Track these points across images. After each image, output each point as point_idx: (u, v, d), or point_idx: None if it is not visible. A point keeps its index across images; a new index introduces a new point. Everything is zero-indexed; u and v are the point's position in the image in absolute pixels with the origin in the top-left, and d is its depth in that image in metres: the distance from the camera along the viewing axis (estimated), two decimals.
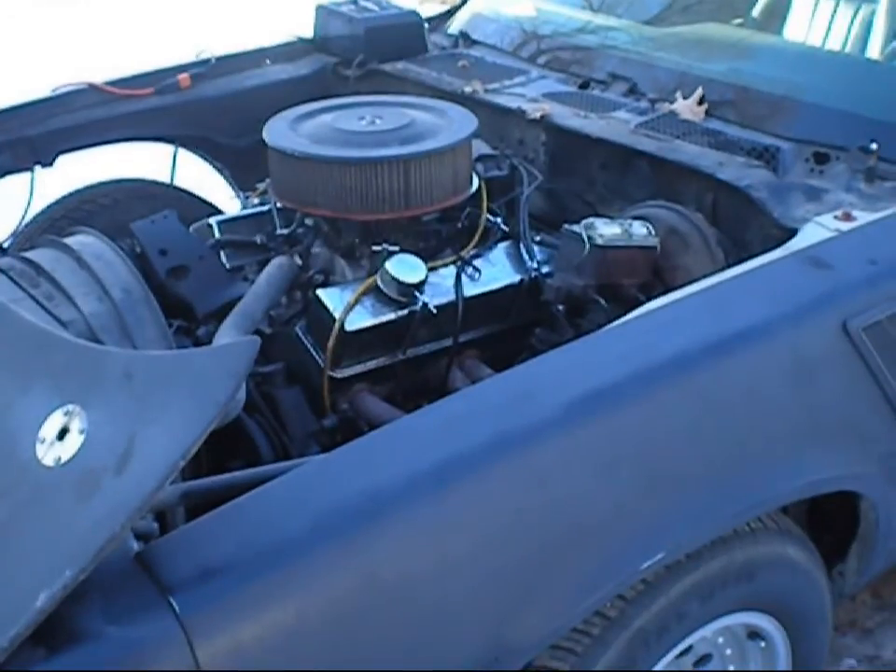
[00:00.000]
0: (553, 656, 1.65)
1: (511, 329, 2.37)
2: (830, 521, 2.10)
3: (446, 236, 2.42)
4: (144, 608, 1.27)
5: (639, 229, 2.24)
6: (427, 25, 3.37)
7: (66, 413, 1.37)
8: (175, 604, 1.26)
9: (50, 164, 2.85)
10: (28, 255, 2.13)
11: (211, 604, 1.29)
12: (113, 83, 3.01)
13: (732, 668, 2.04)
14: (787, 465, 1.80)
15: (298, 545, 1.37)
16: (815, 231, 2.05)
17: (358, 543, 1.40)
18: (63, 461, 1.33)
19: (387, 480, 1.47)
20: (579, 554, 1.58)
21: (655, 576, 1.69)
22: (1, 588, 1.26)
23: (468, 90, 2.89)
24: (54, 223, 2.93)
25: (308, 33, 3.40)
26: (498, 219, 2.45)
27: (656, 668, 1.78)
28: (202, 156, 3.23)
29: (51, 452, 1.35)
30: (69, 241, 2.16)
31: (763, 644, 2.01)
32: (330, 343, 2.13)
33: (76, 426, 1.35)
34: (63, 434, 1.35)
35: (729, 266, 2.05)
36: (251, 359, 1.29)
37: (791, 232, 2.09)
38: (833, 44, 3.20)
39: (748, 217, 2.26)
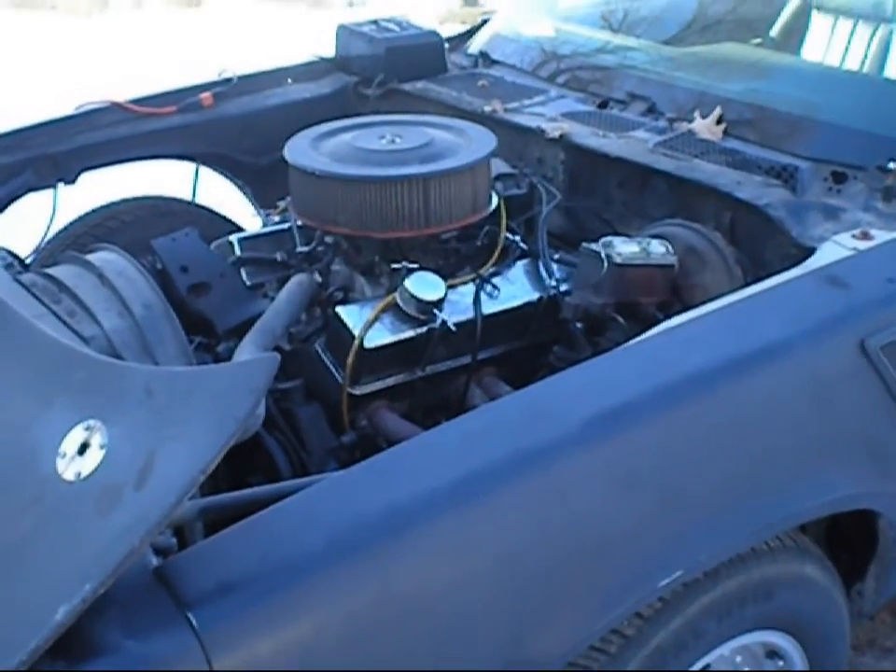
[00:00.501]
0: None
1: (529, 346, 2.37)
2: (848, 539, 2.09)
3: (465, 254, 2.43)
4: (162, 622, 1.27)
5: (657, 247, 2.24)
6: (447, 45, 3.39)
7: (87, 429, 1.38)
8: (192, 619, 1.27)
9: (73, 182, 2.88)
10: (50, 271, 2.15)
11: (229, 619, 1.29)
12: (136, 101, 3.04)
13: None
14: (805, 483, 1.80)
15: (316, 561, 1.38)
16: (833, 249, 2.05)
17: (376, 559, 1.40)
18: (83, 476, 1.34)
19: (406, 496, 1.47)
20: (596, 572, 1.58)
21: (673, 594, 1.68)
22: (21, 601, 1.27)
23: (487, 109, 2.90)
24: (77, 240, 2.95)
25: (329, 52, 3.42)
26: (517, 237, 2.46)
27: None
28: (223, 174, 3.25)
29: (72, 466, 1.35)
30: (91, 257, 2.17)
31: (780, 663, 2.00)
32: (349, 360, 2.14)
33: (96, 441, 1.36)
34: (83, 449, 1.36)
35: (747, 284, 2.05)
36: (270, 376, 1.30)
37: (809, 251, 2.09)
38: (851, 63, 3.20)
39: (766, 236, 2.26)
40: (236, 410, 1.26)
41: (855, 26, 3.22)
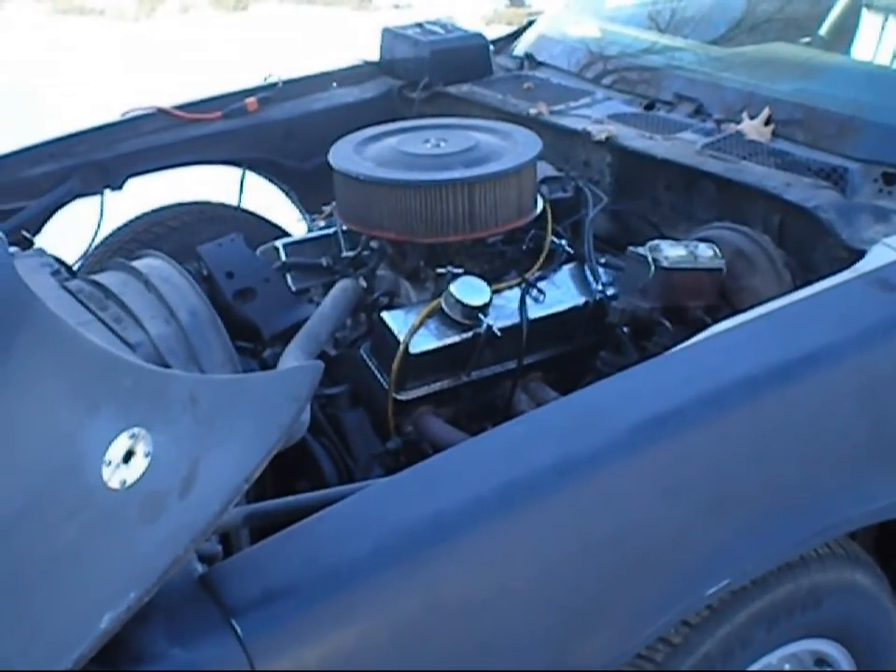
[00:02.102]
0: None
1: (575, 351, 2.35)
2: None
3: (511, 258, 2.42)
4: (207, 630, 1.27)
5: (705, 251, 2.22)
6: (492, 48, 3.38)
7: (132, 437, 1.38)
8: (237, 626, 1.27)
9: (120, 188, 2.90)
10: (97, 277, 2.16)
11: (274, 627, 1.29)
12: (181, 107, 3.06)
13: None
14: (855, 490, 1.78)
15: (361, 568, 1.37)
16: (883, 252, 2.02)
17: (421, 567, 1.40)
18: (128, 484, 1.34)
19: (451, 503, 1.47)
20: (643, 580, 1.57)
21: (720, 602, 1.67)
22: (66, 609, 1.28)
23: (533, 111, 2.89)
24: (123, 246, 2.97)
25: (374, 56, 3.42)
26: (563, 241, 2.45)
27: None
28: (269, 179, 3.26)
29: (117, 474, 1.36)
30: (137, 264, 2.19)
31: (829, 671, 1.98)
32: (395, 366, 2.13)
33: (141, 449, 1.36)
34: (128, 457, 1.37)
35: (796, 288, 2.03)
36: (314, 384, 1.30)
37: (860, 254, 2.06)
38: None
39: (815, 239, 2.24)
40: (280, 418, 1.26)
41: None
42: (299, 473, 2.10)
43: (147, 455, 1.35)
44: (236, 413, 1.32)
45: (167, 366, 1.92)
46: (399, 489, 1.51)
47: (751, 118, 2.60)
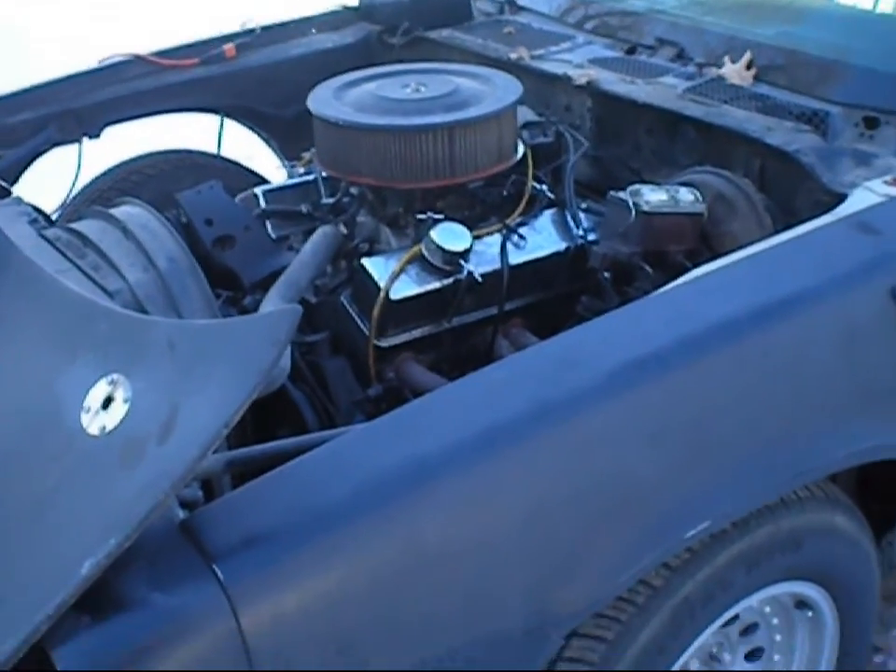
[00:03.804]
0: (597, 625, 1.65)
1: (556, 297, 2.35)
2: (879, 489, 2.07)
3: (491, 204, 2.41)
4: (188, 575, 1.27)
5: (686, 195, 2.22)
6: None
7: (111, 383, 1.37)
8: (218, 571, 1.27)
9: (97, 136, 2.87)
10: (74, 226, 2.14)
11: (255, 571, 1.29)
12: (159, 54, 3.02)
13: (779, 637, 2.03)
14: (835, 433, 1.78)
15: (341, 513, 1.37)
16: (864, 196, 2.02)
17: (402, 511, 1.40)
18: (107, 430, 1.34)
19: (431, 448, 1.46)
20: (623, 523, 1.57)
21: (701, 545, 1.68)
22: (46, 556, 1.27)
23: (513, 56, 2.87)
24: (102, 194, 2.95)
25: (353, 1, 3.39)
26: (544, 187, 2.44)
27: (702, 637, 1.78)
28: (247, 126, 3.23)
29: (96, 421, 1.35)
30: (115, 211, 2.17)
31: (810, 613, 2.00)
32: (375, 312, 2.13)
33: (120, 395, 1.35)
34: (107, 403, 1.36)
35: (777, 232, 2.02)
36: (293, 327, 1.29)
37: (841, 198, 2.06)
38: (885, 6, 3.14)
39: (796, 183, 2.23)
40: (259, 362, 1.26)
41: None
42: (280, 421, 2.10)
43: (125, 401, 1.34)
44: (215, 358, 1.32)
45: (145, 313, 1.91)
46: (379, 434, 1.51)
47: (733, 62, 2.59)
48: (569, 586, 1.54)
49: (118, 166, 3.07)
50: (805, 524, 1.83)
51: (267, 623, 1.28)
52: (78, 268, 1.99)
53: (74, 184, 2.90)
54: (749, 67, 2.57)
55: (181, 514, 1.38)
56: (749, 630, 1.96)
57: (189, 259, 2.05)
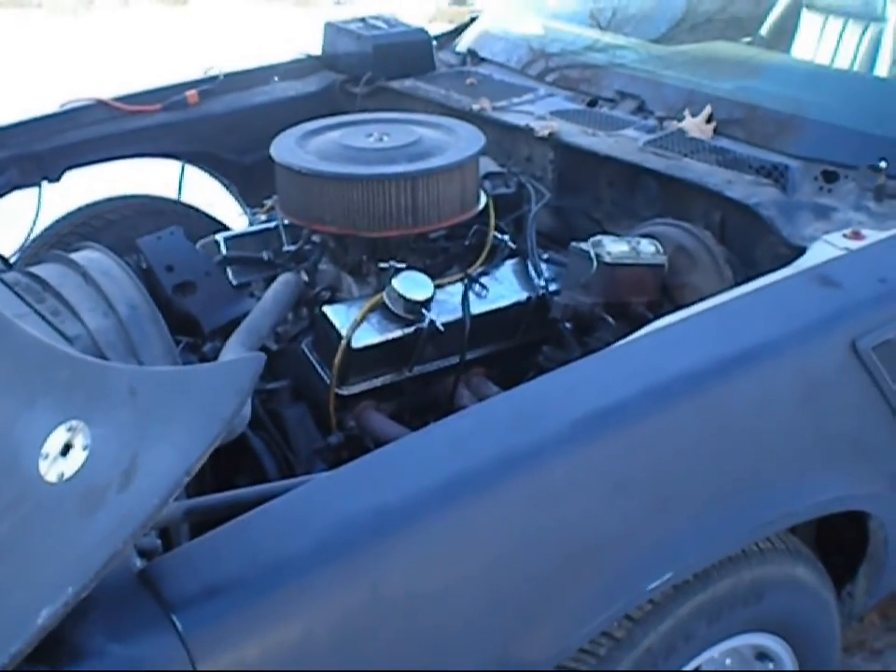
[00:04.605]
0: None
1: (518, 346, 2.35)
2: (839, 540, 2.08)
3: (453, 253, 2.41)
4: (146, 625, 1.25)
5: (647, 247, 2.23)
6: (435, 43, 3.37)
7: (70, 429, 1.36)
8: (177, 622, 1.25)
9: (57, 180, 2.86)
10: (34, 269, 2.12)
11: (214, 622, 1.28)
12: (121, 99, 3.02)
13: None
14: (796, 484, 1.79)
15: (302, 563, 1.36)
16: (824, 249, 2.04)
17: (364, 561, 1.39)
18: (66, 477, 1.32)
19: (393, 497, 1.45)
20: (586, 574, 1.57)
21: (663, 596, 1.67)
22: (2, 604, 1.25)
23: (476, 107, 2.88)
24: (61, 238, 2.93)
25: (316, 50, 3.40)
26: (506, 237, 2.44)
27: None
28: (209, 172, 3.22)
29: (54, 468, 1.34)
30: (75, 256, 2.15)
31: (770, 665, 1.99)
32: (337, 360, 2.12)
33: (79, 441, 1.34)
34: (66, 450, 1.34)
35: (737, 284, 2.04)
36: (256, 376, 1.28)
37: (800, 251, 2.08)
38: (842, 62, 3.20)
39: (756, 236, 2.25)
40: (221, 410, 1.24)
41: (845, 25, 3.21)
42: (239, 469, 2.08)
43: (85, 448, 1.33)
44: (176, 406, 1.30)
45: (105, 359, 1.89)
46: (340, 483, 1.50)
47: (693, 115, 2.62)
48: (531, 637, 1.53)
49: (78, 210, 3.04)
50: (766, 575, 1.83)
51: None
52: (37, 312, 1.97)
53: (33, 228, 2.87)
54: (708, 121, 2.59)
55: (139, 563, 1.36)
56: None
57: (150, 306, 2.04)
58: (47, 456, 1.35)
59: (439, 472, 1.50)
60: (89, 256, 2.16)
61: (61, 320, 1.96)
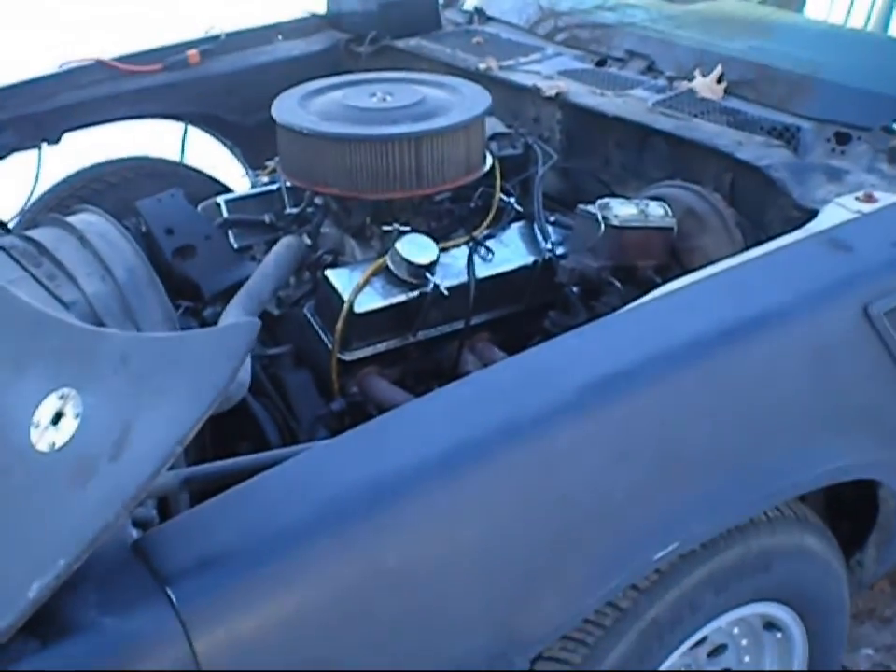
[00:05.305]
0: (563, 647, 1.62)
1: (524, 311, 2.33)
2: (848, 508, 2.05)
3: (459, 216, 2.38)
4: (140, 598, 1.23)
5: (656, 209, 2.20)
6: (441, 1, 3.34)
7: (61, 397, 1.33)
8: (171, 594, 1.23)
9: (57, 142, 2.82)
10: (30, 233, 2.10)
11: (209, 595, 1.25)
12: (121, 59, 2.97)
13: (747, 659, 2.00)
14: (805, 452, 1.76)
15: (300, 534, 1.33)
16: (836, 212, 2.00)
17: (363, 531, 1.36)
18: (57, 446, 1.29)
19: (394, 466, 1.43)
20: (590, 544, 1.54)
21: (669, 566, 1.65)
22: None
23: (482, 66, 2.85)
24: (61, 202, 2.90)
25: (321, 8, 3.35)
26: (512, 199, 2.41)
27: (670, 659, 1.75)
28: (211, 133, 3.19)
29: (46, 437, 1.31)
30: (72, 219, 2.12)
31: (779, 635, 1.97)
32: (339, 325, 2.09)
33: (71, 410, 1.31)
34: (57, 419, 1.32)
35: (748, 248, 2.00)
36: (251, 342, 1.25)
37: (812, 214, 2.04)
38: (856, 22, 3.14)
39: (767, 198, 2.21)
40: (215, 378, 1.22)
41: None
42: (241, 435, 2.06)
43: (76, 417, 1.30)
44: (169, 373, 1.27)
45: (102, 325, 1.86)
46: (340, 452, 1.47)
47: (704, 75, 2.58)
48: (535, 608, 1.50)
49: (78, 173, 3.02)
50: (774, 545, 1.80)
51: (222, 648, 1.24)
52: (33, 277, 1.94)
53: (32, 191, 2.84)
54: (719, 81, 2.55)
55: (134, 534, 1.34)
56: (717, 651, 1.93)
57: (148, 270, 2.01)
58: (38, 425, 1.33)
59: (439, 442, 1.47)
60: (86, 219, 2.13)
61: (56, 284, 1.93)
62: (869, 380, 1.84)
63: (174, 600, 1.23)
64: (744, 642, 1.98)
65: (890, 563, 2.15)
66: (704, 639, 1.85)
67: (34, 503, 1.28)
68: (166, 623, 1.21)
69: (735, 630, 1.95)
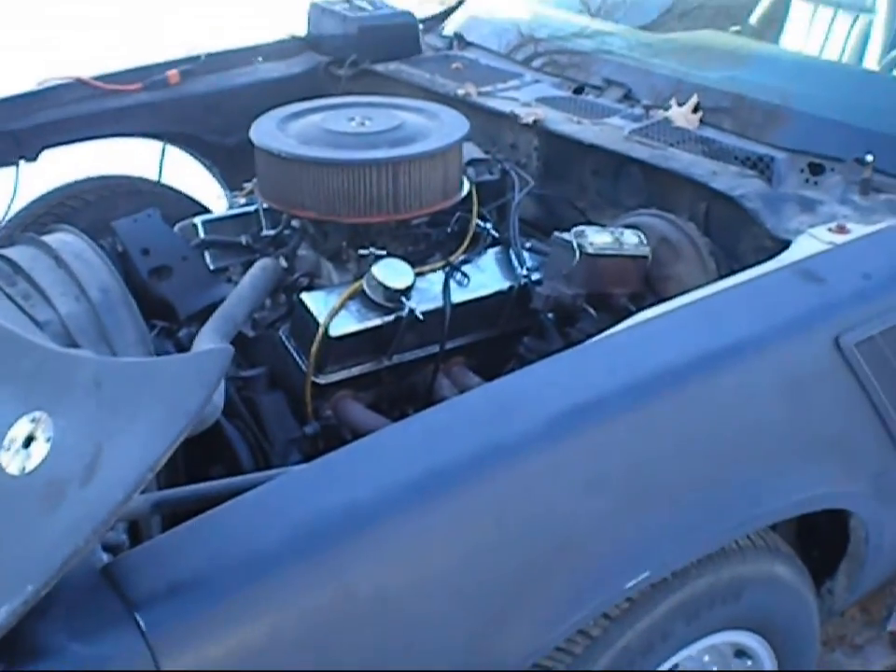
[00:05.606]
0: None
1: (499, 336, 2.33)
2: (819, 537, 2.06)
3: (435, 241, 2.39)
4: (108, 624, 1.22)
5: (631, 237, 2.20)
6: (421, 26, 3.35)
7: (33, 421, 1.32)
8: (140, 620, 1.22)
9: (35, 159, 2.80)
10: (5, 252, 2.09)
11: (178, 621, 1.25)
12: (100, 78, 2.97)
13: None
14: (776, 482, 1.76)
15: (271, 559, 1.33)
16: (808, 243, 2.01)
17: (335, 558, 1.36)
18: (27, 470, 1.29)
19: (365, 493, 1.43)
20: (562, 572, 1.54)
21: (641, 595, 1.65)
22: None
23: (460, 92, 2.85)
24: (37, 220, 2.89)
25: (301, 31, 3.35)
26: (489, 225, 2.42)
27: None
28: (190, 153, 3.19)
29: (16, 460, 1.30)
30: (48, 239, 2.11)
31: (749, 662, 1.98)
32: (314, 349, 2.09)
33: (42, 434, 1.30)
34: (28, 442, 1.31)
35: (721, 277, 2.01)
36: (224, 368, 1.25)
37: (785, 244, 2.05)
38: (830, 53, 3.18)
39: (741, 228, 2.23)
40: (187, 404, 1.22)
41: (835, 15, 3.19)
42: (213, 457, 2.05)
43: (48, 441, 1.29)
44: (142, 398, 1.27)
45: (76, 345, 1.85)
46: (313, 477, 1.47)
47: (680, 104, 2.59)
48: (506, 635, 1.50)
49: (55, 190, 3.00)
50: (745, 573, 1.81)
51: None
52: (8, 296, 1.94)
53: (9, 208, 2.83)
54: (695, 110, 2.57)
55: (105, 558, 1.33)
56: None
57: (123, 290, 2.01)
58: (9, 448, 1.32)
59: (413, 467, 1.47)
60: (61, 238, 2.12)
61: (31, 304, 1.93)
62: (840, 410, 1.85)
63: (142, 626, 1.22)
64: (714, 669, 1.98)
65: (861, 591, 2.16)
66: (675, 667, 1.85)
67: (3, 527, 1.27)
68: (134, 649, 1.21)
69: (706, 658, 1.95)
